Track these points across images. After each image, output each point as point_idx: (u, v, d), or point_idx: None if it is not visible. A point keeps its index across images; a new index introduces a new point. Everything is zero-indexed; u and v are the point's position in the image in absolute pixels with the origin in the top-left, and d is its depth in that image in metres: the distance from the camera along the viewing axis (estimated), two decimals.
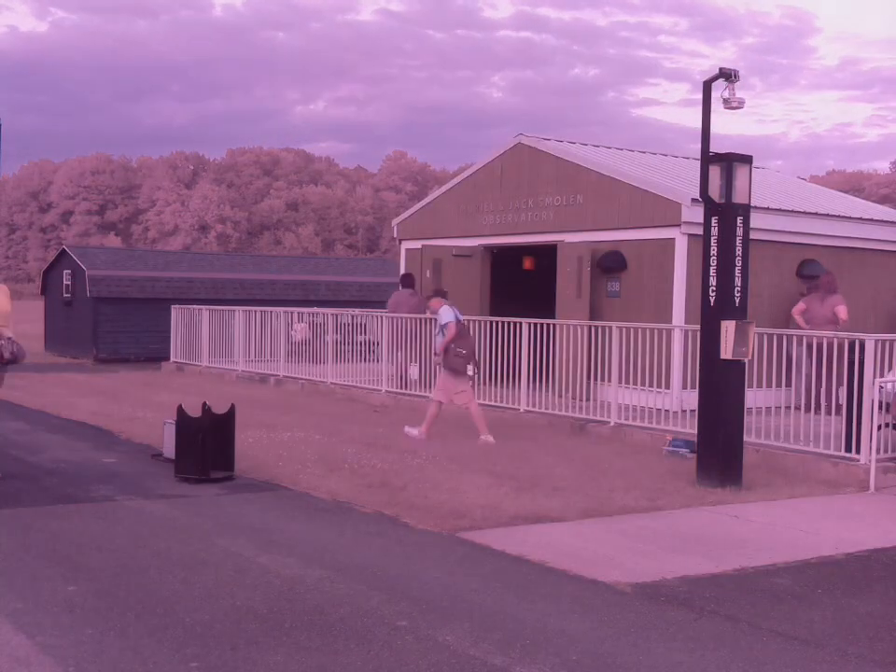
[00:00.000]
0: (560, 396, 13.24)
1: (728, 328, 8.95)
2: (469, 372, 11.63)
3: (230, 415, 9.30)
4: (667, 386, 12.49)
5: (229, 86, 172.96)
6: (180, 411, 9.14)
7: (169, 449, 9.52)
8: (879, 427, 9.43)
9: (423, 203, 19.05)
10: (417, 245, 17.63)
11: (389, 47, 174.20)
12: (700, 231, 9.43)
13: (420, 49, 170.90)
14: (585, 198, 15.16)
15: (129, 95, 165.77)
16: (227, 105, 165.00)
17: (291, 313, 18.43)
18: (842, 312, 13.49)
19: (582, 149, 16.57)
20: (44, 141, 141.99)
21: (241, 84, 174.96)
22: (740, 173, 9.09)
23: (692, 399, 10.60)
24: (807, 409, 10.97)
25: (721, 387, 9.12)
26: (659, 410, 11.79)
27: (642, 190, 14.30)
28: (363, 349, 17.03)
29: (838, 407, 10.15)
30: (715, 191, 9.07)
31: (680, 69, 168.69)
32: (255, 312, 19.14)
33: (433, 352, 12.84)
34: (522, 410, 13.07)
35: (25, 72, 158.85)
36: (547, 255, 16.27)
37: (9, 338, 8.76)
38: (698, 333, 9.62)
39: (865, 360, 9.46)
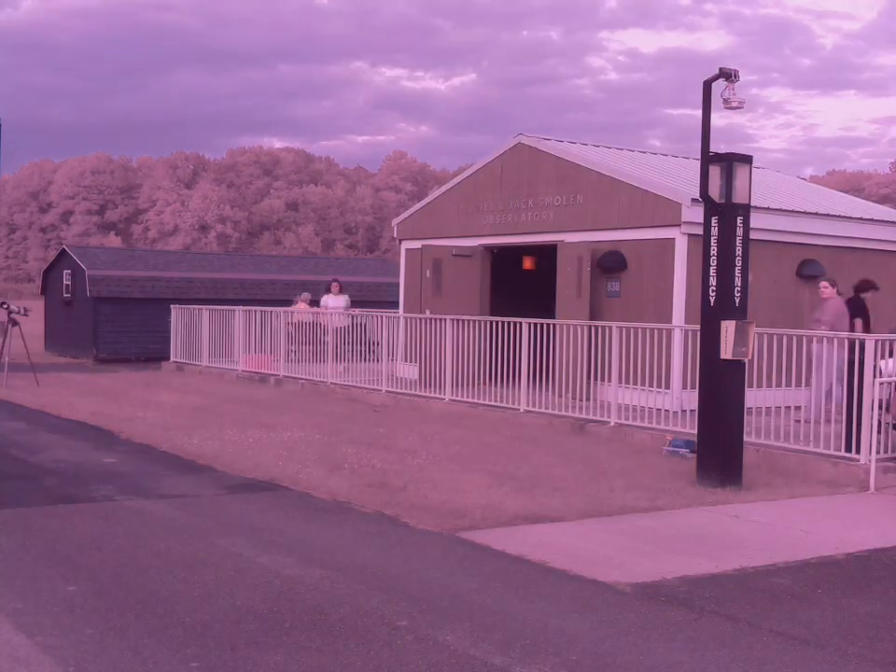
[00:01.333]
0: (560, 396, 13.23)
1: (728, 328, 8.95)
2: None
3: None
4: (667, 386, 12.49)
5: (267, 56, 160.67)
6: None
7: None
8: (879, 428, 9.43)
9: (423, 202, 19.06)
10: (417, 244, 17.63)
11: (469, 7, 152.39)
12: (700, 231, 9.43)
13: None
14: (585, 198, 15.16)
15: (150, 67, 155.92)
16: (270, 76, 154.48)
17: (291, 313, 18.43)
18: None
19: (582, 149, 16.57)
20: (48, 132, 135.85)
21: (282, 56, 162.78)
22: (740, 173, 9.09)
23: (692, 398, 10.60)
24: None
25: (721, 387, 9.12)
26: (659, 410, 11.79)
27: (642, 190, 14.31)
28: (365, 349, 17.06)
29: None
30: (715, 191, 9.07)
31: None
32: (255, 312, 19.15)
33: None
34: (522, 410, 13.07)
35: (27, 48, 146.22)
36: (547, 255, 16.27)
37: None
38: (698, 333, 9.63)
39: (865, 360, 9.46)
